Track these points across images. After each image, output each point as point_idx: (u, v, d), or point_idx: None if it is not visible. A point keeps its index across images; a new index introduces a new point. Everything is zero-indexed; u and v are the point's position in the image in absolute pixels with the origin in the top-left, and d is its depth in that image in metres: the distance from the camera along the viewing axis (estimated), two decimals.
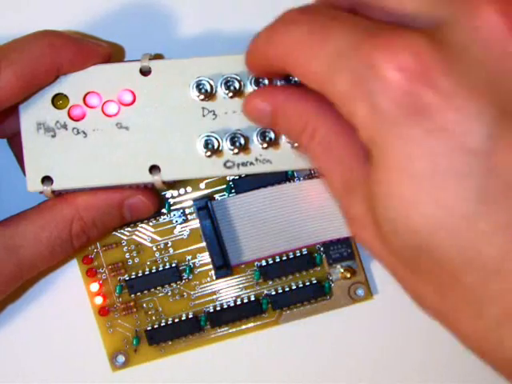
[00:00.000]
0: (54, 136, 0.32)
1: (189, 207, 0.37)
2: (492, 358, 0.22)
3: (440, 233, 0.22)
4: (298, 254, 0.37)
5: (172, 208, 0.37)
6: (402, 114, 0.22)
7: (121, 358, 0.37)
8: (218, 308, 0.37)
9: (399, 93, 0.22)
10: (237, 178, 0.37)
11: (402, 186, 0.22)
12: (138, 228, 0.37)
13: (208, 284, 0.38)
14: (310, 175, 0.37)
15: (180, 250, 0.37)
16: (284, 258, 0.37)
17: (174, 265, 0.37)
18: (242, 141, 0.32)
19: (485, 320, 0.22)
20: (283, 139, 0.32)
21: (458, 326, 0.23)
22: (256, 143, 0.32)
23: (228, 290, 0.38)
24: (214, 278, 0.37)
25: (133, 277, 0.37)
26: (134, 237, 0.37)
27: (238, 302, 0.37)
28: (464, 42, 0.22)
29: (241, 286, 0.38)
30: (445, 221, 0.22)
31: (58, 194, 0.33)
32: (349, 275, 0.37)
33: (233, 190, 0.37)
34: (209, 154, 0.31)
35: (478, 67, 0.22)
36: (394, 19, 0.24)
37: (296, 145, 0.32)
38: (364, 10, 0.25)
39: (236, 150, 0.31)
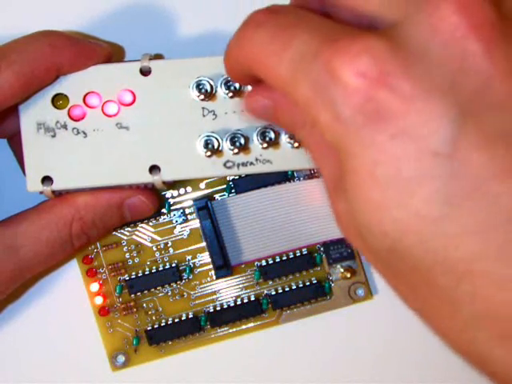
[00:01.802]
0: (54, 136, 0.32)
1: (189, 207, 0.37)
2: (467, 355, 0.23)
3: (409, 236, 0.22)
4: (298, 254, 0.37)
5: (172, 208, 0.37)
6: (363, 120, 0.22)
7: (121, 358, 0.37)
8: (218, 308, 0.37)
9: (359, 99, 0.22)
10: (237, 177, 0.37)
11: (370, 192, 0.22)
12: (138, 228, 0.37)
13: (208, 284, 0.38)
14: (310, 175, 0.37)
15: (180, 250, 0.37)
16: (284, 257, 0.37)
17: (174, 265, 0.37)
18: (242, 141, 0.32)
19: (458, 320, 0.22)
20: (283, 139, 0.32)
21: (436, 325, 0.23)
22: (256, 143, 0.32)
23: (228, 290, 0.38)
24: (214, 277, 0.37)
25: (133, 277, 0.37)
26: (134, 237, 0.37)
27: (238, 302, 0.37)
28: (423, 43, 0.22)
29: (241, 285, 0.38)
30: (412, 225, 0.22)
31: (58, 194, 0.33)
32: (349, 275, 0.37)
33: (233, 190, 0.37)
34: (209, 153, 0.31)
35: (438, 68, 0.21)
36: (358, 19, 0.24)
37: (296, 144, 0.32)
38: (332, 9, 0.25)
39: (236, 150, 0.31)
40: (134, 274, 0.37)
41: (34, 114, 0.32)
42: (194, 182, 0.37)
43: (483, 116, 0.21)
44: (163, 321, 0.37)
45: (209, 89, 0.32)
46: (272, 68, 0.24)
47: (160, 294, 0.37)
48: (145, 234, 0.37)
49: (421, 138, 0.21)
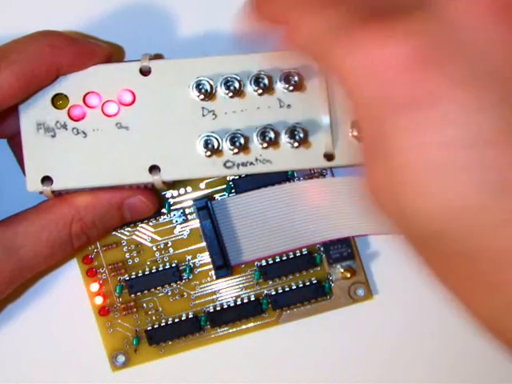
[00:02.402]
0: (53, 136, 0.32)
1: (189, 207, 0.37)
2: (501, 338, 0.23)
3: (456, 222, 0.22)
4: (298, 254, 0.37)
5: (172, 208, 0.37)
6: (408, 101, 0.21)
7: (121, 358, 0.37)
8: (218, 308, 0.37)
9: (405, 78, 0.21)
10: (237, 177, 0.36)
11: (418, 175, 0.22)
12: (138, 228, 0.37)
13: (208, 284, 0.38)
14: (309, 175, 0.37)
15: (180, 250, 0.37)
16: (284, 257, 0.37)
17: (174, 265, 0.37)
18: (242, 141, 0.32)
19: (497, 305, 0.22)
20: (283, 139, 0.32)
21: (470, 307, 0.23)
22: (256, 143, 0.32)
23: (228, 290, 0.38)
24: (214, 277, 0.37)
25: (133, 277, 0.37)
26: (134, 237, 0.37)
27: (238, 302, 0.37)
28: (464, 26, 0.21)
29: (241, 285, 0.38)
30: (460, 210, 0.22)
31: (58, 194, 0.33)
32: (349, 275, 0.37)
33: (233, 190, 0.37)
34: (209, 153, 0.32)
35: (481, 57, 0.21)
36: None
37: (296, 144, 0.32)
38: None
39: (236, 150, 0.31)
40: (134, 274, 0.37)
41: (34, 114, 0.32)
42: (194, 182, 0.37)
43: None
44: (163, 321, 0.37)
45: (208, 89, 0.32)
46: (305, 30, 0.24)
47: (160, 294, 0.37)
48: (145, 233, 0.37)
49: (473, 125, 0.21)
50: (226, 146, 0.32)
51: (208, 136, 0.32)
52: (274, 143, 0.32)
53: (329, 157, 0.32)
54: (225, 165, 0.32)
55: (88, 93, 0.32)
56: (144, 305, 0.37)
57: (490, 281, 0.22)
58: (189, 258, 0.37)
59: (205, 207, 0.36)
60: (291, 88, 0.32)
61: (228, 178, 0.37)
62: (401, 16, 0.22)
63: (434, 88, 0.21)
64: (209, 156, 0.32)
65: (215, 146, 0.32)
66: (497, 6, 0.21)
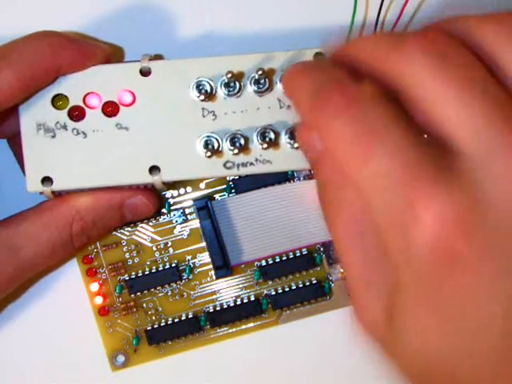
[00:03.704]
0: (53, 136, 0.32)
1: (189, 207, 0.37)
2: None
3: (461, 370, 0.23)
4: (298, 254, 0.37)
5: (172, 208, 0.37)
6: (433, 258, 0.22)
7: (121, 358, 0.37)
8: (218, 308, 0.37)
9: (433, 237, 0.22)
10: (237, 178, 0.37)
11: (432, 327, 0.23)
12: (138, 228, 0.37)
13: (208, 284, 0.38)
14: (309, 175, 0.37)
15: (180, 250, 0.37)
16: (284, 258, 0.37)
17: (174, 265, 0.37)
18: (242, 141, 0.32)
19: None
20: (283, 140, 0.32)
21: None
22: (256, 143, 0.32)
23: (228, 290, 0.38)
24: (214, 277, 0.37)
25: (133, 277, 0.37)
26: (133, 237, 0.37)
27: (238, 302, 0.37)
28: (502, 195, 0.22)
29: (241, 286, 0.38)
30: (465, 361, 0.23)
31: (58, 195, 0.33)
32: None
33: (233, 190, 0.37)
34: (209, 154, 0.31)
35: (508, 235, 0.22)
36: (433, 132, 0.23)
37: (296, 145, 0.32)
38: (408, 105, 0.24)
39: (236, 151, 0.31)
40: (133, 273, 0.37)
41: (34, 114, 0.32)
42: (194, 182, 0.37)
43: None
44: (163, 321, 0.37)
45: (209, 89, 0.32)
46: (350, 168, 0.24)
47: (160, 294, 0.37)
48: (145, 233, 0.37)
49: (482, 293, 0.22)
50: (226, 146, 0.32)
51: (208, 136, 0.32)
52: (274, 144, 0.32)
53: None
54: (225, 165, 0.32)
55: (88, 93, 0.32)
56: (144, 305, 0.37)
57: None
58: (189, 257, 0.37)
59: (205, 207, 0.36)
60: None
61: (228, 178, 0.37)
62: (445, 180, 0.22)
63: (465, 253, 0.22)
64: (209, 156, 0.32)
65: (215, 147, 0.32)
66: None
